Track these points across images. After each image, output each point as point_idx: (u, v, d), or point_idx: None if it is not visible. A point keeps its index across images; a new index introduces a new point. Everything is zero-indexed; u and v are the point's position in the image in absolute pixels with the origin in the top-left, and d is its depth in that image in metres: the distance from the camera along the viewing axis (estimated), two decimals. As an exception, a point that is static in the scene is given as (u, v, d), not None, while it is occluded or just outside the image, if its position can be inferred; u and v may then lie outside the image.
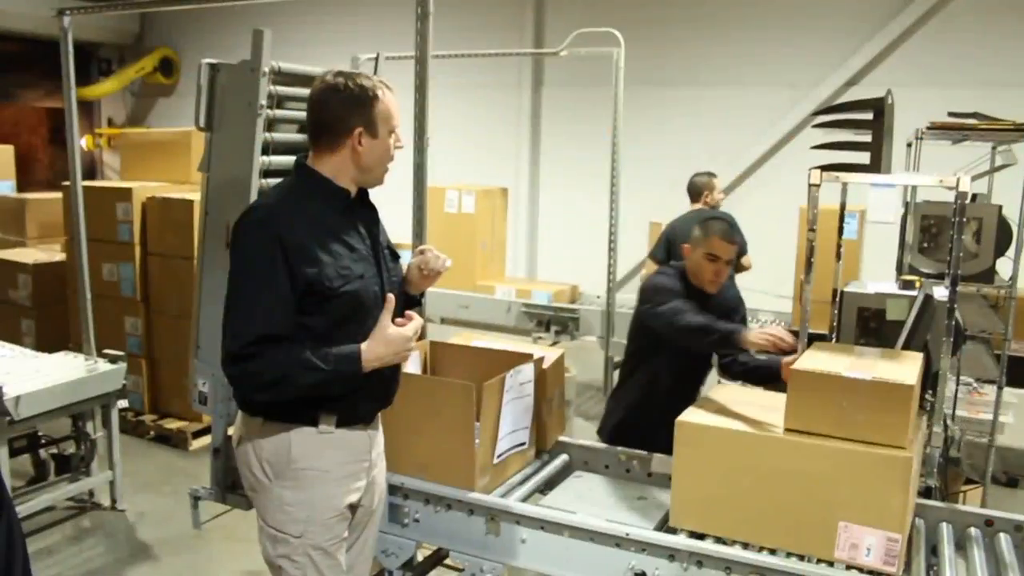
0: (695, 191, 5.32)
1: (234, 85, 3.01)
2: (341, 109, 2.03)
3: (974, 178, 4.23)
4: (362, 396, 2.11)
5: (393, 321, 2.04)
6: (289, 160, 2.23)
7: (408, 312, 2.12)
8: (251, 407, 2.11)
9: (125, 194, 5.21)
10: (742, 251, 4.92)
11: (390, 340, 2.01)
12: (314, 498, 2.07)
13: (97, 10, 4.03)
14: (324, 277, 1.98)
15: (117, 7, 3.93)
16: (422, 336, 2.99)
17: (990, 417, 3.99)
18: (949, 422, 3.15)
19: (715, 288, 3.03)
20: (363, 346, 2.00)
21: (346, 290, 2.01)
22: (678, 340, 2.86)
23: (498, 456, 2.56)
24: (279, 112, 3.09)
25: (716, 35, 7.82)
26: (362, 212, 2.16)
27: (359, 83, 2.04)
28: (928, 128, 3.75)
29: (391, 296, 2.04)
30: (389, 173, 2.15)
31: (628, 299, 5.95)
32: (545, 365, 2.79)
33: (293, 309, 1.98)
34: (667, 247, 5.08)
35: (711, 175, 5.37)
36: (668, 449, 2.46)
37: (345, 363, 1.98)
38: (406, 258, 2.32)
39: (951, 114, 3.95)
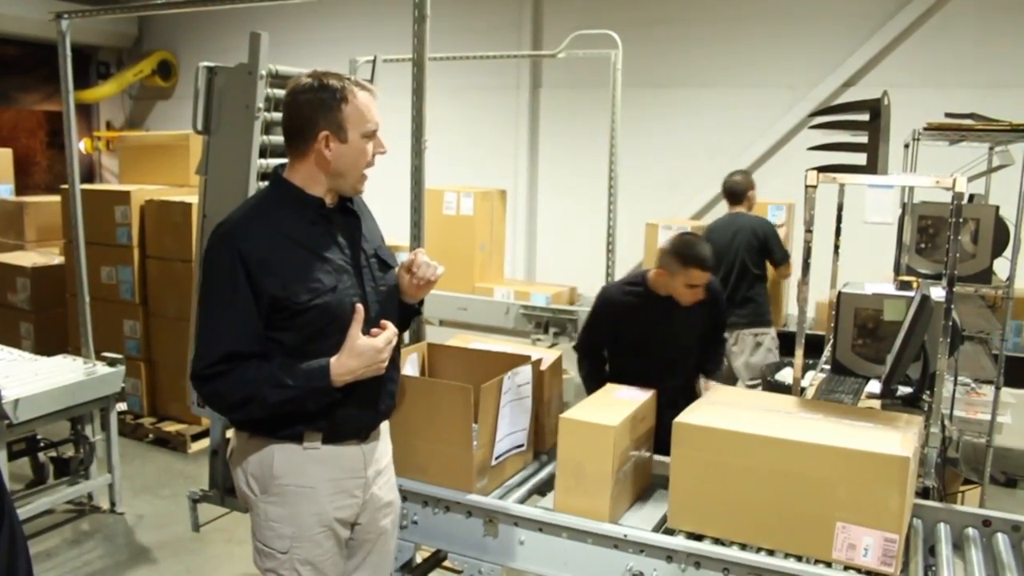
0: (739, 192, 5.06)
1: (231, 88, 3.02)
2: (307, 111, 1.94)
3: (971, 179, 4.23)
4: (348, 410, 2.03)
5: (369, 333, 1.97)
6: (285, 162, 2.20)
7: (383, 321, 2.03)
8: (236, 422, 2.09)
9: (123, 197, 5.21)
10: (781, 260, 4.89)
11: (360, 352, 1.94)
12: (299, 514, 2.02)
13: (95, 14, 4.03)
14: (290, 292, 1.92)
15: (115, 10, 3.94)
16: (420, 338, 3.00)
17: (988, 417, 3.99)
18: (947, 423, 3.16)
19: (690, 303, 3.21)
20: (332, 360, 1.94)
21: (315, 304, 1.94)
22: None
23: (496, 458, 2.56)
24: (276, 115, 3.10)
25: (714, 36, 7.82)
26: (342, 220, 2.07)
27: (327, 83, 1.94)
28: (925, 129, 3.74)
29: (360, 307, 1.96)
30: (369, 180, 2.05)
31: (627, 301, 5.95)
32: (543, 367, 2.79)
33: (259, 325, 1.92)
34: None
35: (748, 173, 5.21)
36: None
37: (315, 378, 1.93)
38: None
39: (948, 115, 3.95)
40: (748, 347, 4.85)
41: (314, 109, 1.94)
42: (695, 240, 3.19)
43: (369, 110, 1.98)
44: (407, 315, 2.26)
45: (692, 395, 3.31)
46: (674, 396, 2.94)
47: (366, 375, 1.98)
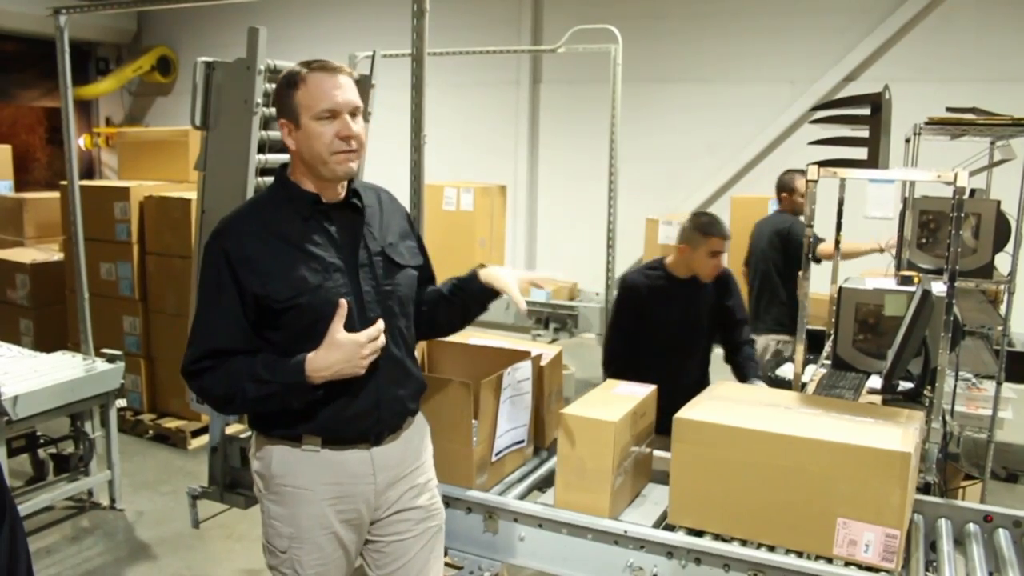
0: (778, 187, 4.95)
1: (230, 83, 3.00)
2: (275, 102, 1.97)
3: (972, 173, 4.20)
4: (344, 414, 1.97)
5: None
6: (284, 158, 2.18)
7: (376, 320, 1.95)
8: (247, 419, 2.09)
9: (123, 193, 5.20)
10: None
11: (339, 345, 1.87)
12: (297, 515, 1.99)
13: (93, 9, 4.01)
14: (270, 290, 1.89)
15: (112, 5, 3.92)
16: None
17: (989, 413, 3.98)
18: (948, 418, 3.14)
19: (713, 277, 3.45)
20: (309, 355, 1.88)
21: (297, 302, 1.90)
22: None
23: (496, 454, 2.55)
24: (275, 110, 3.08)
25: (714, 31, 7.81)
26: (344, 217, 2.01)
27: (288, 70, 1.94)
28: (926, 123, 3.73)
29: (343, 302, 1.90)
30: (369, 175, 2.01)
31: (627, 296, 5.94)
32: (543, 363, 2.78)
33: (245, 323, 1.91)
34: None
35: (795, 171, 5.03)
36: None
37: (291, 374, 1.88)
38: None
39: (949, 109, 3.94)
40: (769, 352, 4.80)
41: (277, 99, 1.96)
42: (710, 213, 3.46)
43: (320, 91, 1.89)
44: (475, 298, 2.20)
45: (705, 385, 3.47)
46: (689, 384, 3.21)
47: (344, 372, 1.90)
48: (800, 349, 2.89)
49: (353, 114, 1.93)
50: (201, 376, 1.94)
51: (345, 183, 2.03)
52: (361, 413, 1.99)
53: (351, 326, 1.92)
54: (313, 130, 1.90)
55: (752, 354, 3.65)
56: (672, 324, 3.46)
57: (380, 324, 1.95)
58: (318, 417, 1.97)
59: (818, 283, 3.59)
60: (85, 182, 5.13)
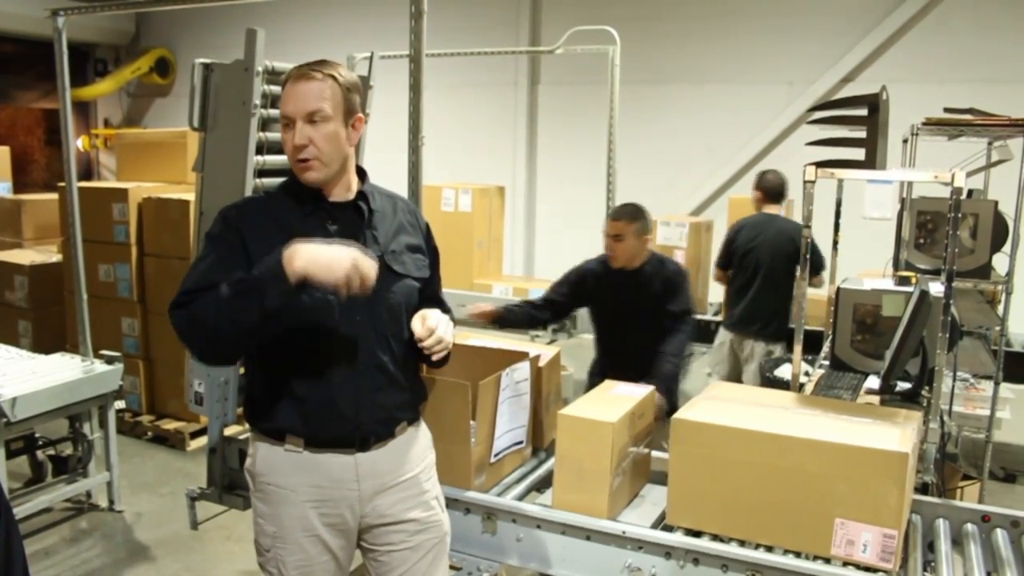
0: (778, 191, 4.75)
1: (228, 85, 3.00)
2: None
3: (970, 174, 4.22)
4: (324, 416, 1.95)
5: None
6: (282, 159, 2.19)
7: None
8: (243, 413, 2.10)
9: (121, 195, 5.20)
10: (817, 268, 4.39)
11: (330, 247, 1.78)
12: (279, 514, 1.99)
13: (91, 10, 4.01)
14: None
15: (111, 7, 3.92)
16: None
17: (987, 413, 3.99)
18: (946, 418, 3.15)
19: (616, 263, 3.59)
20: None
21: None
22: None
23: (495, 455, 2.56)
24: (273, 111, 3.08)
25: (712, 32, 7.82)
26: (347, 217, 2.00)
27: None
28: (924, 124, 3.74)
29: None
30: (301, 172, 1.93)
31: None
32: (541, 363, 2.78)
33: (242, 265, 1.86)
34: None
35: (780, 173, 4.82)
36: None
37: (269, 261, 1.78)
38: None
39: (947, 110, 3.95)
40: (759, 356, 4.78)
41: None
42: (628, 203, 3.65)
43: (283, 99, 1.93)
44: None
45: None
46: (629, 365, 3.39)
47: (320, 271, 1.76)
48: (798, 349, 2.90)
49: (311, 121, 1.90)
50: (188, 306, 1.87)
51: (353, 186, 2.04)
52: (341, 417, 1.97)
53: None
54: (282, 136, 1.97)
55: (673, 351, 3.48)
56: (607, 308, 3.77)
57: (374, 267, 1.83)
58: (300, 416, 1.96)
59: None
60: (83, 184, 5.13)
